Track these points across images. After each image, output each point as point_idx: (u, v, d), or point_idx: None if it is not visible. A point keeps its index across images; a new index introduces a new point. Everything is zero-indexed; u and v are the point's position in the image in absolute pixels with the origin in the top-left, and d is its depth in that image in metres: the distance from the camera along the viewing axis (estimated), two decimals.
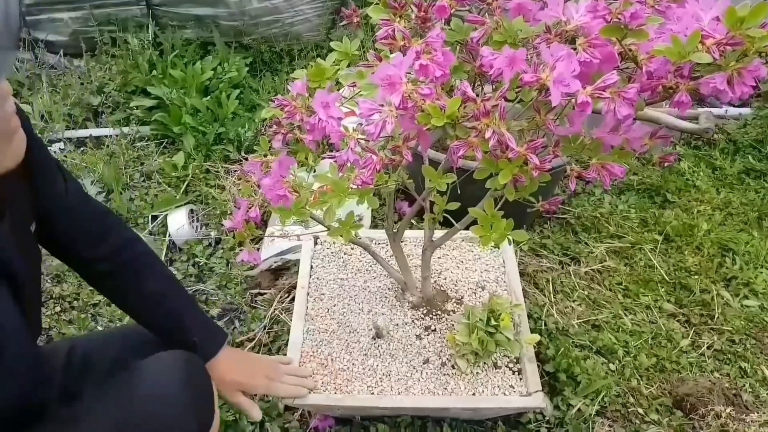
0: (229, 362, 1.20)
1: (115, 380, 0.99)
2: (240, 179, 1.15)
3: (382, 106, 0.77)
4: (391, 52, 0.85)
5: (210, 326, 1.22)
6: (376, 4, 0.89)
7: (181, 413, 0.95)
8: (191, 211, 2.08)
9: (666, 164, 0.99)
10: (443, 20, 0.89)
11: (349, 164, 0.88)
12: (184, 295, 1.21)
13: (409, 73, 0.79)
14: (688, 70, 0.76)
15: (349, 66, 1.01)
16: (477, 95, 0.96)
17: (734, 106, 2.64)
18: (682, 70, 0.76)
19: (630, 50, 0.78)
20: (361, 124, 0.86)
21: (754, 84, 0.73)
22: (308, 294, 1.52)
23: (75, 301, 1.83)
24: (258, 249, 1.91)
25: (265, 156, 1.08)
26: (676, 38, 0.70)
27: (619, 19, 0.72)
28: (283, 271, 1.90)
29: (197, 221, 2.08)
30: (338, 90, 1.00)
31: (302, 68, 1.32)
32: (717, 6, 0.75)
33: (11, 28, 0.68)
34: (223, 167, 2.32)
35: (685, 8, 0.80)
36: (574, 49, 0.74)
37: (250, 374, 1.24)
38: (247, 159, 2.26)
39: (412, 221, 1.94)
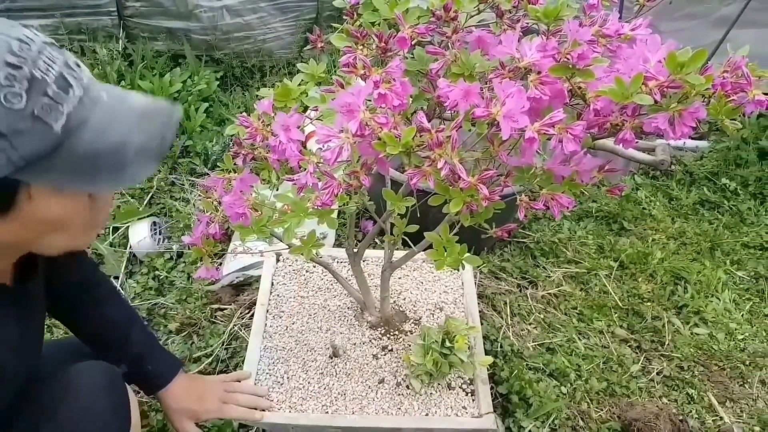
0: (180, 390, 1.22)
1: (43, 398, 0.98)
2: (202, 194, 1.16)
3: (341, 132, 0.79)
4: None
5: (165, 355, 1.25)
6: (340, 32, 0.92)
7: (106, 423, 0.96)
8: (154, 223, 2.06)
9: (616, 194, 1.03)
10: (405, 49, 0.92)
11: (310, 186, 0.90)
12: (141, 324, 1.24)
13: (369, 100, 0.81)
14: (633, 109, 0.80)
15: (319, 85, 1.04)
16: (440, 118, 0.99)
17: (692, 138, 2.74)
18: (627, 109, 0.80)
19: (579, 88, 0.82)
20: (320, 149, 0.88)
21: (694, 125, 0.78)
22: (267, 311, 1.52)
23: None
24: (220, 264, 1.91)
25: (229, 173, 1.09)
26: (619, 80, 0.74)
27: (568, 59, 0.76)
28: (245, 286, 1.90)
29: (160, 234, 2.07)
30: (304, 110, 1.02)
31: (273, 85, 1.34)
32: (663, 48, 0.80)
33: (163, 150, 0.74)
34: (188, 180, 2.31)
35: (633, 49, 0.85)
36: (526, 85, 0.78)
37: (202, 399, 1.25)
38: (210, 174, 2.27)
39: (375, 240, 1.96)
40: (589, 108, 0.82)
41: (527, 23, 0.94)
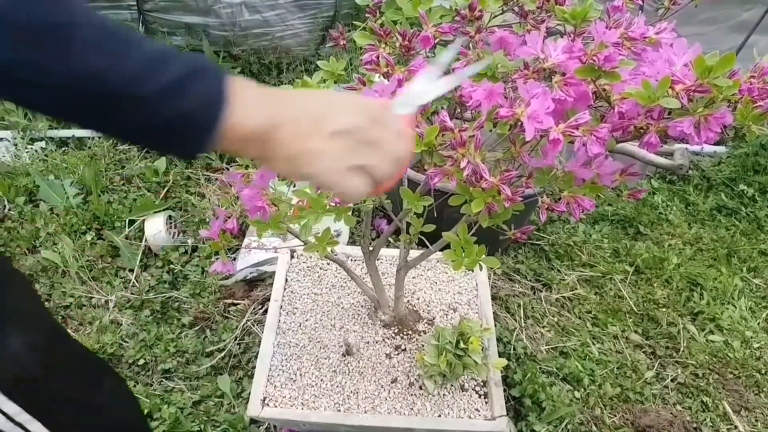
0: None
1: None
2: (220, 189, 1.16)
3: None
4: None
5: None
6: (363, 29, 0.91)
7: None
8: (169, 217, 2.07)
9: (635, 198, 1.02)
10: (427, 48, 0.92)
11: None
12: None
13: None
14: (659, 113, 0.79)
15: (336, 83, 1.03)
16: (459, 118, 0.99)
17: (710, 144, 2.71)
18: (653, 112, 0.79)
19: (604, 90, 0.81)
20: None
21: (720, 131, 0.77)
22: (281, 307, 1.53)
23: (46, 302, 1.81)
24: (234, 259, 1.92)
25: (247, 167, 1.10)
26: (646, 82, 0.73)
27: (594, 60, 0.75)
28: (257, 282, 1.90)
29: (175, 228, 2.07)
30: None
31: (290, 81, 1.34)
32: (689, 52, 0.79)
33: None
34: (204, 175, 2.32)
35: (659, 52, 0.84)
36: (550, 86, 0.77)
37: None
38: (229, 168, 2.27)
39: (390, 239, 1.96)
40: (613, 110, 0.81)
41: (551, 25, 0.94)
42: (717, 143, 0.81)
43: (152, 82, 0.48)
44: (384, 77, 0.87)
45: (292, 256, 1.68)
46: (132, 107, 0.48)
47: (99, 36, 0.47)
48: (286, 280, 1.60)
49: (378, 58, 0.87)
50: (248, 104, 0.50)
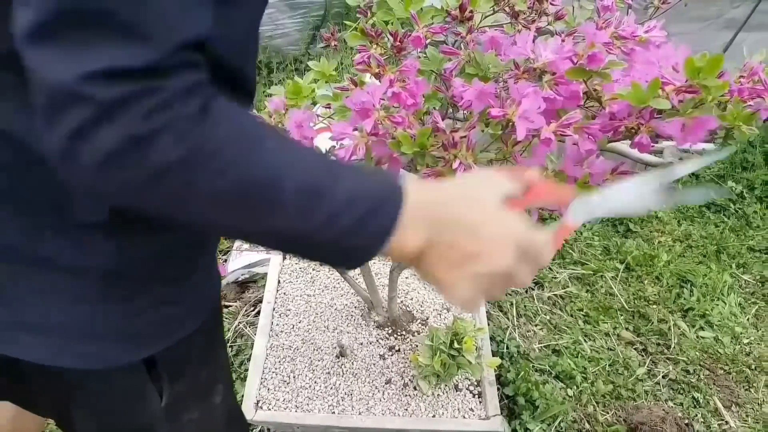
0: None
1: None
2: None
3: (355, 130, 0.79)
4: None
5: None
6: (354, 30, 0.91)
7: None
8: None
9: None
10: (419, 49, 0.92)
11: None
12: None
13: (383, 99, 0.81)
14: (650, 113, 0.79)
15: (327, 82, 1.03)
16: (452, 118, 0.99)
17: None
18: (644, 113, 0.80)
19: (595, 90, 0.81)
20: (334, 146, 0.87)
21: (703, 136, 0.77)
22: (274, 309, 1.52)
23: None
24: (226, 261, 1.91)
25: None
26: (636, 84, 0.73)
27: (584, 61, 0.76)
28: (250, 284, 1.89)
29: None
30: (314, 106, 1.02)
31: (280, 81, 1.34)
32: (678, 53, 0.79)
33: None
34: None
35: (648, 53, 0.84)
36: (541, 85, 0.77)
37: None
38: None
39: None
40: (604, 111, 0.82)
41: (541, 25, 0.94)
42: (706, 141, 0.82)
43: (335, 226, 0.46)
44: (375, 78, 0.87)
45: (284, 258, 1.67)
46: (305, 243, 0.48)
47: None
48: (279, 281, 1.60)
49: (369, 58, 0.87)
50: (412, 226, 0.49)
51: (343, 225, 0.46)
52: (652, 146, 0.81)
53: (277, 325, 1.48)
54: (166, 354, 0.65)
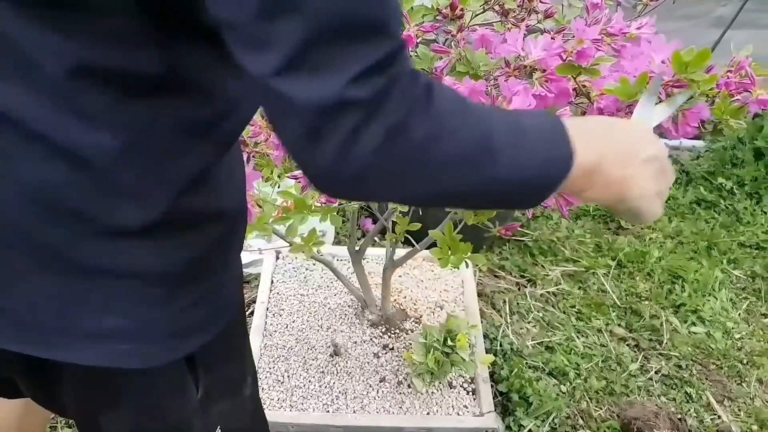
0: None
1: None
2: None
3: None
4: None
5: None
6: None
7: None
8: None
9: None
10: (410, 47, 0.92)
11: None
12: None
13: None
14: None
15: None
16: None
17: (688, 138, 2.75)
18: (632, 107, 0.81)
19: (584, 86, 0.82)
20: None
21: (697, 125, 0.78)
22: (267, 309, 1.52)
23: None
24: None
25: None
26: (624, 79, 0.74)
27: (573, 58, 0.76)
28: (243, 284, 1.89)
29: None
30: None
31: None
32: (668, 48, 0.80)
33: None
34: None
35: (637, 48, 0.85)
36: (531, 83, 0.78)
37: None
38: None
39: (375, 239, 1.96)
40: (593, 106, 0.83)
41: (531, 23, 0.95)
42: (695, 137, 0.83)
43: (538, 155, 0.51)
44: None
45: (277, 258, 1.67)
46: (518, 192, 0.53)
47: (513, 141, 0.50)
48: (272, 281, 1.60)
49: None
50: (583, 147, 0.53)
51: (542, 153, 0.51)
52: None
53: (270, 324, 1.48)
54: (202, 347, 0.67)
